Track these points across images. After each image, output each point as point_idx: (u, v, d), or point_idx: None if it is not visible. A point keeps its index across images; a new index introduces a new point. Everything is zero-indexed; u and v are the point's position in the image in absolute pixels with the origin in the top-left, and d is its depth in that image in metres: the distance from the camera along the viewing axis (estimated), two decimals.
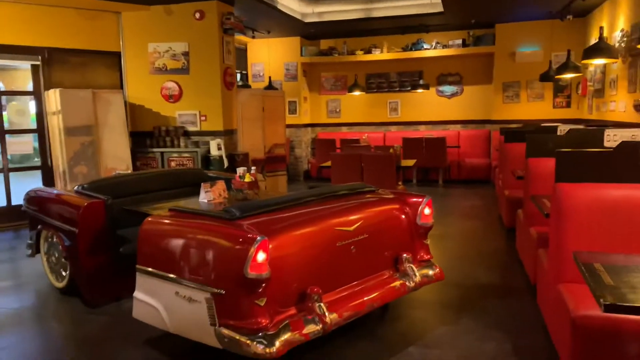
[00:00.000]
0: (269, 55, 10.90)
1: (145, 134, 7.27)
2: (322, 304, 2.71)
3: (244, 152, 7.57)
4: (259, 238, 2.50)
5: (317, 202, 3.23)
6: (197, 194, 4.15)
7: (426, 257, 3.50)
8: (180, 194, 4.54)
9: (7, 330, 3.61)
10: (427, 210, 3.46)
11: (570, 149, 3.22)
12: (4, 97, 6.86)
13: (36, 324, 3.80)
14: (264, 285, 2.51)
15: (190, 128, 7.35)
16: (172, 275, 2.85)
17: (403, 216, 3.43)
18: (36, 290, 4.42)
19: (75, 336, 3.53)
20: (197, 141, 7.26)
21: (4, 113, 7.21)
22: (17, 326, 3.69)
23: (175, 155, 7.06)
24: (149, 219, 3.12)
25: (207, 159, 7.11)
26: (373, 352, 3.09)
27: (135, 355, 3.14)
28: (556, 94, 9.65)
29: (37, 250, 4.50)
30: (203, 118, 7.28)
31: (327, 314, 2.69)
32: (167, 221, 3.08)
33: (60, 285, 4.24)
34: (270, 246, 2.56)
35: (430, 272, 3.40)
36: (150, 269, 2.99)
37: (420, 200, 3.47)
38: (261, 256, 2.49)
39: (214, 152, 7.08)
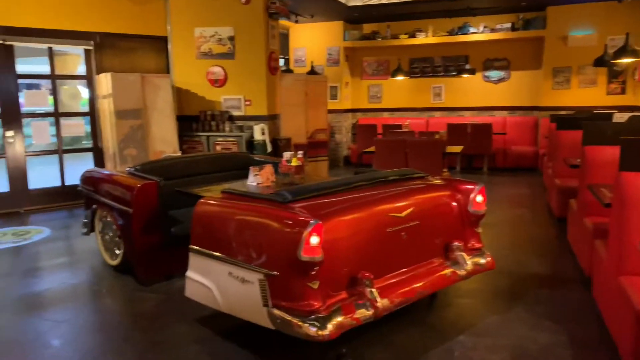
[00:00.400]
0: (312, 40, 10.85)
1: (191, 118, 7.39)
2: (373, 290, 2.70)
3: (286, 137, 7.60)
4: (312, 222, 2.50)
5: (367, 188, 3.21)
6: (244, 177, 4.19)
7: (477, 245, 3.43)
8: (228, 177, 4.61)
9: (66, 305, 3.77)
10: (479, 198, 3.38)
11: (636, 137, 3.07)
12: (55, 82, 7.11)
13: (92, 299, 3.96)
14: (317, 268, 2.52)
15: (235, 112, 7.42)
16: (225, 256, 2.90)
17: (454, 203, 3.37)
18: (91, 267, 4.59)
19: (129, 312, 3.66)
20: (242, 126, 7.33)
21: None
22: (75, 301, 3.85)
23: (221, 139, 7.16)
24: (202, 200, 3.18)
25: (250, 144, 7.18)
26: (423, 339, 3.07)
27: (187, 332, 3.23)
28: (610, 80, 9.23)
29: (92, 229, 4.67)
30: (248, 103, 7.34)
31: (378, 299, 2.68)
32: (220, 203, 3.12)
33: (114, 263, 4.40)
34: (322, 230, 2.56)
35: (482, 261, 3.33)
36: (203, 250, 3.05)
37: (473, 187, 3.40)
38: (315, 240, 2.49)
39: (257, 136, 7.14)
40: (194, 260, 3.14)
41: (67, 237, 5.64)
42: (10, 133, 6.63)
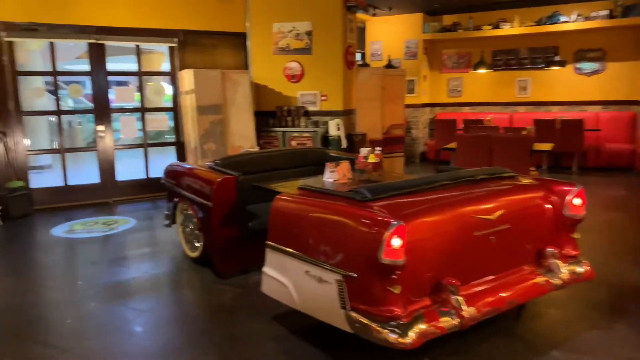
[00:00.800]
0: (389, 33, 10.61)
1: (268, 114, 7.45)
2: (458, 297, 2.52)
3: (362, 133, 7.47)
4: (394, 223, 2.37)
5: (452, 187, 3.02)
6: (320, 173, 4.13)
7: (573, 252, 3.12)
8: (304, 173, 4.57)
9: (148, 294, 3.90)
10: (577, 201, 3.08)
11: None
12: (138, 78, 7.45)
13: (172, 290, 4.06)
14: (398, 272, 2.39)
15: (311, 108, 7.39)
16: (302, 254, 2.84)
17: (549, 206, 3.09)
18: (171, 258, 4.73)
19: (207, 305, 3.72)
20: (317, 121, 7.29)
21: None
22: (156, 291, 3.98)
23: (296, 134, 7.16)
24: (280, 196, 3.13)
25: (325, 139, 7.12)
26: (511, 352, 2.84)
27: (263, 328, 3.21)
28: None
29: (173, 221, 4.81)
30: (324, 98, 7.28)
31: (464, 307, 2.50)
32: (297, 199, 3.06)
33: (194, 255, 4.50)
34: (405, 232, 2.41)
35: (579, 270, 3.03)
36: (280, 246, 3.00)
37: (570, 188, 3.10)
38: (397, 242, 2.36)
39: (332, 132, 7.06)
40: (270, 256, 3.10)
41: (150, 227, 5.88)
42: (101, 127, 7.02)
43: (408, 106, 10.08)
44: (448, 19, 10.71)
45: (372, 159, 4.13)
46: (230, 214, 4.01)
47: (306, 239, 2.84)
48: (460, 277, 2.62)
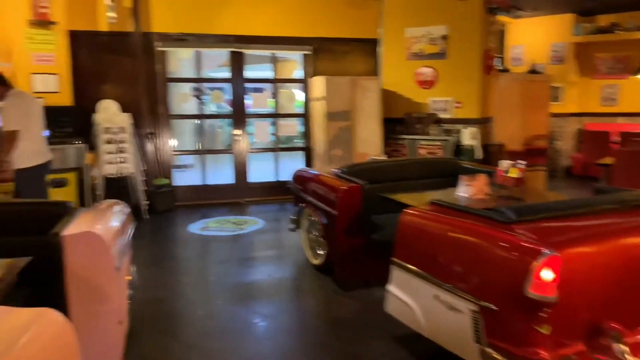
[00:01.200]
0: (532, 36, 9.76)
1: (396, 121, 7.24)
2: (621, 345, 2.09)
3: (499, 143, 6.91)
4: (546, 251, 2.03)
5: (616, 212, 2.55)
6: (451, 185, 3.83)
7: None
8: (433, 185, 4.29)
9: (271, 299, 3.92)
10: None
11: None
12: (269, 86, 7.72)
13: (294, 297, 4.05)
14: (548, 309, 2.04)
15: (442, 115, 7.03)
16: (431, 276, 2.60)
17: None
18: (295, 263, 4.75)
19: (327, 316, 3.63)
20: (449, 129, 6.91)
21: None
22: (278, 296, 3.99)
23: (425, 143, 6.85)
24: (409, 210, 2.92)
25: (457, 149, 6.71)
26: None
27: (384, 351, 3.02)
28: None
29: (298, 226, 4.82)
30: (458, 105, 6.88)
31: (629, 358, 2.07)
32: (429, 215, 2.82)
33: (316, 262, 4.45)
34: (560, 263, 2.06)
35: None
36: (407, 265, 2.79)
37: None
38: (548, 274, 2.02)
39: (466, 141, 6.64)
40: (396, 274, 2.90)
41: (276, 230, 6.00)
42: (238, 131, 7.39)
43: (552, 115, 9.17)
44: (604, 19, 9.54)
45: (513, 173, 3.74)
46: (354, 224, 3.88)
47: (437, 260, 2.60)
48: (624, 321, 2.19)
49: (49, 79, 6.23)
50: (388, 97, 7.37)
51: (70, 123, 6.22)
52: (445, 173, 4.50)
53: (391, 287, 2.94)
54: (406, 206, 3.02)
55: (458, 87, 6.85)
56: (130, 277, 3.16)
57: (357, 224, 3.89)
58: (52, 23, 6.16)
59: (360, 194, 3.88)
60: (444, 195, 3.58)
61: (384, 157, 6.50)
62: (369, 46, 7.61)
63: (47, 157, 4.72)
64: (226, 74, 7.48)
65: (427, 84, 7.08)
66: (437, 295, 2.55)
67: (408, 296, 2.80)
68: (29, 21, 6.04)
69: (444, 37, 6.87)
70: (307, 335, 3.30)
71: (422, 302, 2.69)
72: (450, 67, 6.88)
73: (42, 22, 6.10)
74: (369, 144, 6.79)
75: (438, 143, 6.76)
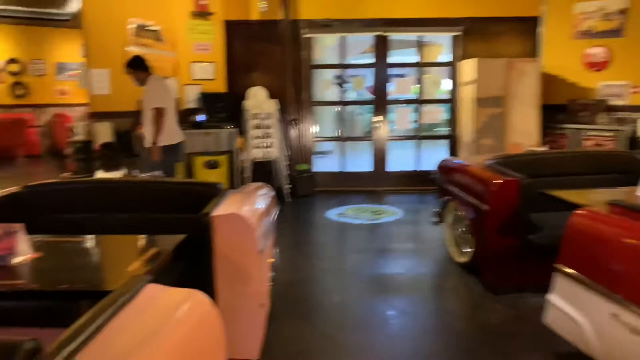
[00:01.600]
0: None
1: (556, 108, 6.47)
2: None
3: None
4: None
5: None
6: (624, 183, 3.22)
7: None
8: (603, 182, 3.66)
9: (411, 295, 3.72)
10: None
11: None
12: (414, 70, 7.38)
13: (435, 295, 3.80)
14: None
15: (615, 102, 6.11)
16: (609, 291, 2.17)
17: None
18: (436, 259, 4.47)
19: (473, 321, 3.33)
20: (623, 118, 5.97)
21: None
22: (418, 293, 3.77)
23: (593, 133, 6.01)
24: (582, 211, 2.49)
25: (633, 141, 5.78)
26: None
27: None
28: None
29: (442, 220, 4.53)
30: (636, 90, 5.91)
31: None
32: (607, 219, 2.38)
33: (461, 260, 4.13)
34: None
35: None
36: (576, 274, 2.39)
37: None
38: None
39: None
40: (561, 283, 2.51)
41: (416, 222, 5.75)
42: (378, 118, 7.23)
43: None
44: None
45: None
46: (508, 221, 3.49)
47: (617, 272, 2.17)
48: None
49: (206, 67, 6.68)
50: (548, 82, 6.60)
51: (224, 108, 6.61)
52: (617, 169, 3.88)
53: (553, 297, 2.55)
54: (574, 206, 2.60)
55: (637, 69, 5.87)
56: (272, 260, 3.20)
57: (512, 222, 3.49)
58: (211, 14, 6.58)
59: (517, 189, 3.47)
60: (619, 195, 3.03)
61: (544, 149, 5.84)
62: (527, 25, 6.88)
63: (182, 137, 5.16)
64: (370, 60, 7.34)
65: (598, 65, 6.20)
66: (615, 314, 2.13)
67: (575, 310, 2.40)
68: (191, 12, 6.52)
69: (622, 12, 5.92)
70: (451, 338, 3.04)
71: (594, 320, 2.27)
72: (627, 46, 5.94)
73: (202, 13, 6.55)
74: (524, 133, 6.16)
75: (609, 134, 5.88)
